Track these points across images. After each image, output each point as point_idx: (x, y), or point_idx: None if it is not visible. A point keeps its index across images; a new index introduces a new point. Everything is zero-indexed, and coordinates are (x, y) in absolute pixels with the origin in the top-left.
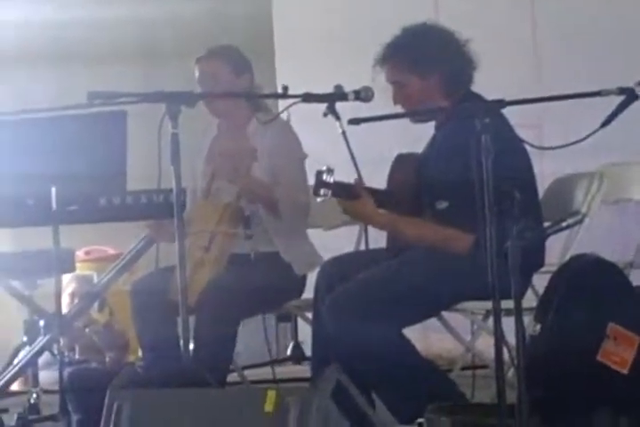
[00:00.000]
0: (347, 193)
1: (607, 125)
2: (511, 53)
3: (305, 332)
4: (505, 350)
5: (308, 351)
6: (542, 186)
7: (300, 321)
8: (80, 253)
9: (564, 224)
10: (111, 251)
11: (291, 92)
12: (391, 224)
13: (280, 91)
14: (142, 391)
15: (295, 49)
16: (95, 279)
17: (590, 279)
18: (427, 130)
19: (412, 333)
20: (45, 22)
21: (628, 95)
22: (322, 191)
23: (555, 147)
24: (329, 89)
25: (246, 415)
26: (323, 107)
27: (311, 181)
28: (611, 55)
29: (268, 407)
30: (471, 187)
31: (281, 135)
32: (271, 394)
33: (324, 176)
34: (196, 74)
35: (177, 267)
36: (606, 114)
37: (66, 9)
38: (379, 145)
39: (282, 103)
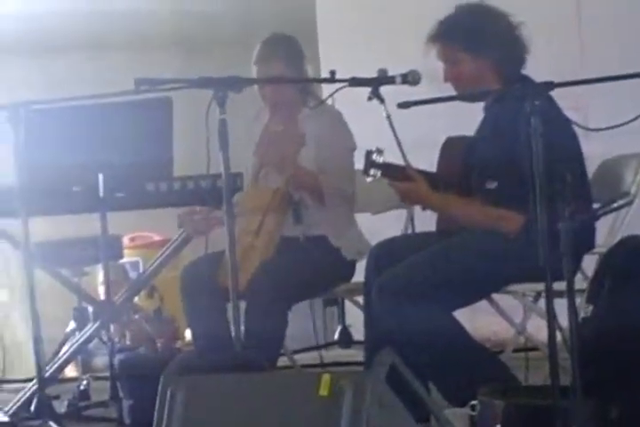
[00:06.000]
0: (396, 174)
1: None
2: (555, 37)
3: (352, 316)
4: (557, 332)
5: (355, 335)
6: (589, 168)
7: (347, 305)
8: (125, 240)
9: (615, 205)
10: (156, 237)
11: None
12: (444, 205)
13: (327, 75)
14: (196, 377)
15: (338, 34)
16: (141, 266)
17: None
18: (473, 112)
19: (460, 315)
20: (79, 12)
21: None
22: (371, 171)
23: (603, 128)
24: (372, 74)
25: (301, 399)
26: (366, 91)
27: (361, 162)
28: None
29: (323, 391)
30: (521, 167)
31: (331, 124)
32: (325, 378)
33: (374, 156)
34: (255, 75)
35: (226, 252)
36: None
37: None
38: (424, 128)
39: (327, 88)
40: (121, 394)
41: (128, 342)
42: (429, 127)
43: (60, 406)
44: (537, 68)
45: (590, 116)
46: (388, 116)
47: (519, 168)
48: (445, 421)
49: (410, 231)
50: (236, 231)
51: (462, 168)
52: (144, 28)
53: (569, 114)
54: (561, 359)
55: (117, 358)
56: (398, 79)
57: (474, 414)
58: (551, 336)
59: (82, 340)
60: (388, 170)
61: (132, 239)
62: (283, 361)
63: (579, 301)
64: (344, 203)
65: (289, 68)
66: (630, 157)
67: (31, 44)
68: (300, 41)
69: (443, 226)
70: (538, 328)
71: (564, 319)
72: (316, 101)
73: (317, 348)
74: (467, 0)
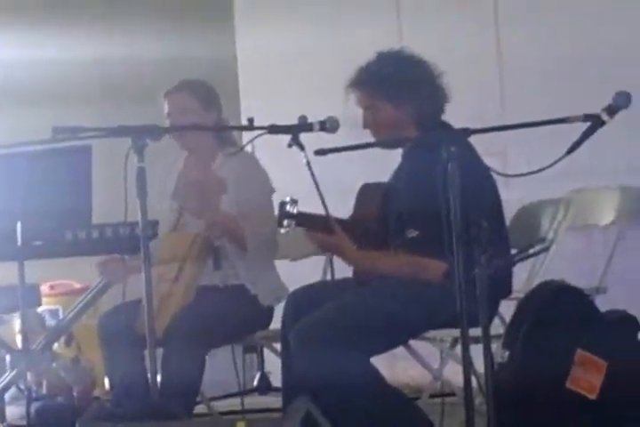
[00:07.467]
0: (312, 224)
1: (573, 152)
2: (476, 83)
3: (271, 362)
4: (473, 378)
5: (274, 382)
6: (508, 213)
7: (266, 352)
8: (45, 288)
9: (531, 251)
10: (77, 285)
11: (256, 124)
12: (364, 260)
13: (245, 123)
14: (111, 426)
15: (259, 81)
16: (61, 314)
17: (558, 306)
18: (392, 158)
19: (379, 361)
20: (2, 61)
21: (594, 122)
22: (285, 222)
23: (521, 174)
24: (294, 120)
25: None
26: (287, 138)
27: (275, 212)
28: (573, 86)
29: None
30: (440, 215)
31: (248, 168)
32: (240, 425)
33: (288, 207)
34: (165, 108)
35: (144, 300)
36: (568, 140)
37: (24, 49)
38: (343, 175)
39: (246, 136)
40: None
41: (45, 391)
42: (350, 174)
43: None
44: (457, 116)
45: (510, 162)
46: (308, 163)
47: (438, 216)
48: None
49: (329, 276)
50: (154, 279)
51: (379, 215)
52: (66, 78)
53: (488, 159)
54: (477, 404)
55: (34, 406)
56: (316, 126)
57: None
58: (467, 382)
59: None
60: (303, 220)
61: (53, 287)
62: (201, 408)
63: (495, 346)
64: (265, 247)
65: (200, 102)
66: (548, 203)
67: None
68: (222, 90)
69: (360, 273)
70: (454, 374)
71: (480, 365)
72: (233, 148)
73: (237, 395)
74: (388, 48)
